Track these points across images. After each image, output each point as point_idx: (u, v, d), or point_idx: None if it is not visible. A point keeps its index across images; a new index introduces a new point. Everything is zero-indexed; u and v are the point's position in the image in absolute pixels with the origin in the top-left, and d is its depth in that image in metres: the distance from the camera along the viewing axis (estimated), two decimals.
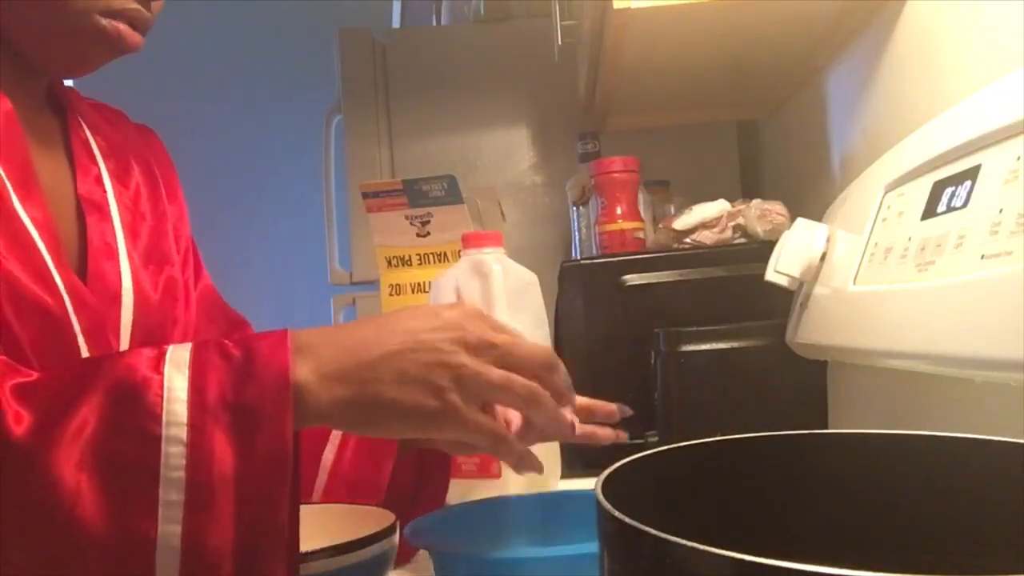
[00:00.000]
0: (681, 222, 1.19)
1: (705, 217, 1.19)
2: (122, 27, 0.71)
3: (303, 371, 0.52)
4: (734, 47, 1.23)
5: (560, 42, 1.46)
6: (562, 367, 0.59)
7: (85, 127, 0.81)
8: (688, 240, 1.19)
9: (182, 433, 0.48)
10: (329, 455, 0.77)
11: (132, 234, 0.79)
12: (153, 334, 0.78)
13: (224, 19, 2.63)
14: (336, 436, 0.78)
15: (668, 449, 0.38)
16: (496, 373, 0.57)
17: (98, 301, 0.72)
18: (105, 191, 0.78)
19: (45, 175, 0.72)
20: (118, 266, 0.76)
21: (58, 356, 0.66)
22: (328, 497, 0.75)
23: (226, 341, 0.53)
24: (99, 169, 0.79)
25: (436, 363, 0.55)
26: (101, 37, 0.71)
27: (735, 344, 1.01)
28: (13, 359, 0.56)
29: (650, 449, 0.38)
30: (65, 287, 0.68)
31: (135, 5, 0.72)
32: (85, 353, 0.68)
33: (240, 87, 2.62)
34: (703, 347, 1.02)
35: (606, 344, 1.13)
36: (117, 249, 0.77)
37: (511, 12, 1.94)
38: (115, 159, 0.82)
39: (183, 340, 0.80)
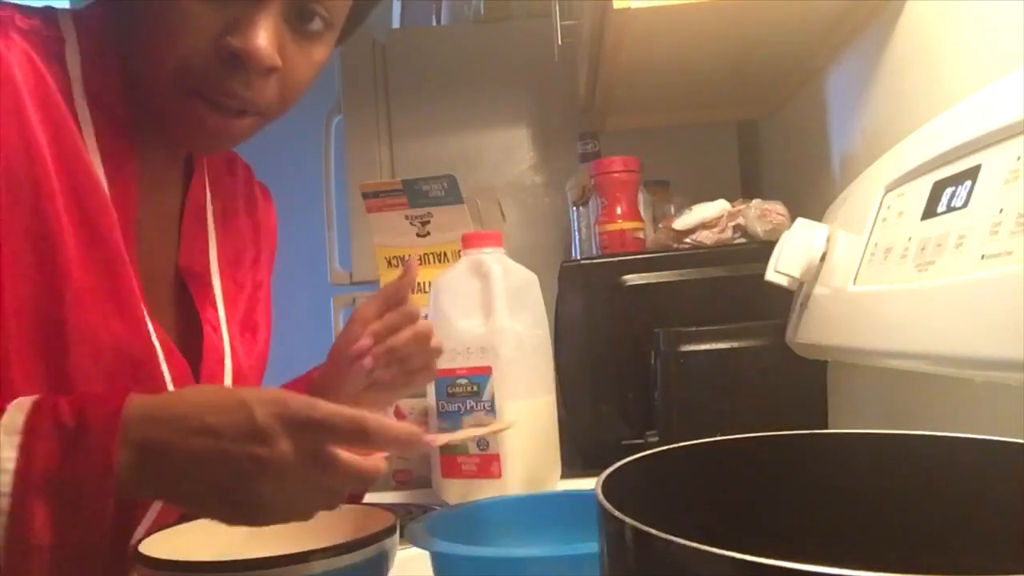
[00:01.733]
0: (681, 222, 1.19)
1: (705, 217, 1.19)
2: (207, 114, 0.66)
3: (126, 457, 0.52)
4: (734, 47, 1.23)
5: (560, 42, 1.46)
6: (372, 430, 0.54)
7: (207, 185, 0.80)
8: (688, 240, 1.19)
9: (4, 503, 0.50)
10: None
11: (231, 304, 0.80)
12: None
13: None
14: None
15: (668, 449, 0.38)
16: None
17: (209, 369, 0.73)
18: (209, 262, 0.78)
19: (152, 240, 0.72)
20: (221, 333, 0.77)
21: None
22: None
23: (61, 405, 0.53)
24: (209, 241, 0.79)
25: (236, 480, 0.53)
26: (183, 117, 0.66)
27: (735, 344, 1.01)
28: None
29: (650, 449, 0.38)
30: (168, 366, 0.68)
31: (233, 83, 0.64)
32: None
33: None
34: (703, 347, 1.02)
35: (606, 344, 1.13)
36: (220, 322, 0.77)
37: (511, 12, 1.94)
38: (228, 223, 0.82)
39: None
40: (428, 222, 1.16)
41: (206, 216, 0.79)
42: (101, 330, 0.63)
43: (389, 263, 1.18)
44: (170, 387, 0.68)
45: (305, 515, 0.56)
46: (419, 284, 1.16)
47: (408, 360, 0.85)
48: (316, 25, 0.67)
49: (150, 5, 0.63)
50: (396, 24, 2.10)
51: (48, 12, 0.68)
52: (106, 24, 0.68)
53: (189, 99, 0.64)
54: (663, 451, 0.35)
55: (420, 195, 1.14)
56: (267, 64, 0.63)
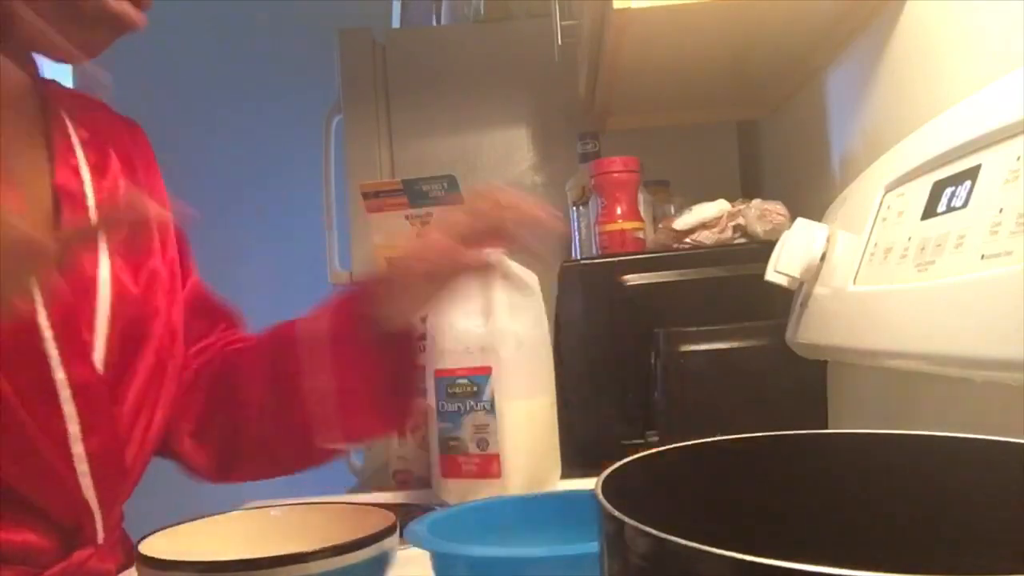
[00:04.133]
0: (681, 222, 1.19)
1: (705, 217, 1.19)
2: (127, 7, 0.70)
3: None
4: (734, 47, 1.23)
5: (560, 42, 1.46)
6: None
7: (66, 117, 0.80)
8: (688, 240, 1.19)
9: None
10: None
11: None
12: (133, 325, 0.77)
13: (224, 19, 2.63)
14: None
15: (667, 449, 0.38)
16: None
17: (70, 292, 0.71)
18: (83, 181, 0.77)
19: (21, 166, 0.72)
20: (95, 257, 0.75)
21: (21, 348, 0.66)
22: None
23: None
24: (77, 160, 0.78)
25: None
26: (105, 16, 0.70)
27: (735, 344, 1.01)
28: None
29: (650, 449, 0.38)
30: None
31: None
32: (51, 346, 0.68)
33: (240, 86, 2.63)
34: (703, 347, 1.02)
35: (606, 344, 1.13)
36: (96, 247, 0.75)
37: (511, 12, 1.94)
38: (95, 150, 0.81)
39: (164, 332, 0.81)
40: (428, 222, 1.16)
41: (72, 139, 0.79)
42: None
43: (389, 263, 1.18)
44: (47, 331, 0.67)
45: None
46: None
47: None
48: None
49: None
50: (396, 24, 2.10)
51: None
52: None
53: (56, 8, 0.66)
54: (662, 451, 0.35)
55: (420, 195, 1.14)
56: None
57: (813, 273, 0.90)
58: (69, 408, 0.69)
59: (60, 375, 0.68)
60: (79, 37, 0.71)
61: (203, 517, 0.65)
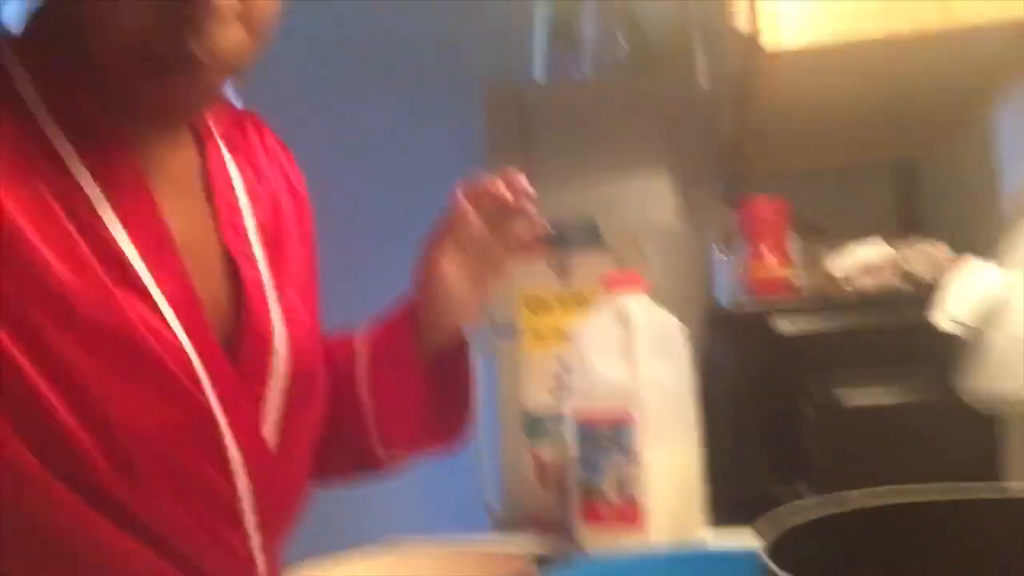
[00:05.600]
0: (836, 266, 1.13)
1: (863, 260, 1.14)
2: (174, 80, 0.60)
3: None
4: (891, 85, 1.18)
5: (705, 86, 1.44)
6: None
7: (224, 150, 0.74)
8: (844, 285, 1.13)
9: None
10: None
11: (277, 272, 0.74)
12: (304, 378, 0.74)
13: (368, 74, 2.74)
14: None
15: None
16: None
17: (248, 362, 0.68)
18: (247, 231, 0.72)
19: (180, 225, 0.66)
20: (268, 315, 0.71)
21: (193, 423, 0.64)
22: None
23: None
24: (240, 206, 0.73)
25: None
26: (149, 95, 0.62)
27: (897, 396, 0.95)
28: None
29: (801, 502, 0.35)
30: (201, 361, 0.63)
31: (183, 32, 0.57)
32: (222, 418, 0.65)
33: (381, 135, 2.72)
34: (862, 399, 0.96)
35: (754, 392, 1.08)
36: (267, 297, 0.71)
37: (653, 58, 1.93)
38: (257, 184, 0.76)
39: (317, 405, 0.77)
40: (569, 267, 1.15)
41: (231, 179, 0.73)
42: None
43: (529, 307, 1.18)
44: (221, 419, 0.64)
45: None
46: (559, 329, 1.15)
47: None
48: None
49: None
50: (538, 74, 2.13)
51: None
52: (52, 29, 0.64)
53: (141, 66, 0.59)
54: (833, 515, 0.32)
55: (561, 240, 1.14)
56: (222, 8, 0.57)
57: (987, 319, 0.83)
58: (241, 481, 0.66)
59: (234, 450, 0.66)
60: (174, 90, 0.62)
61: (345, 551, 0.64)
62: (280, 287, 0.73)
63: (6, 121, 0.60)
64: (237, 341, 0.68)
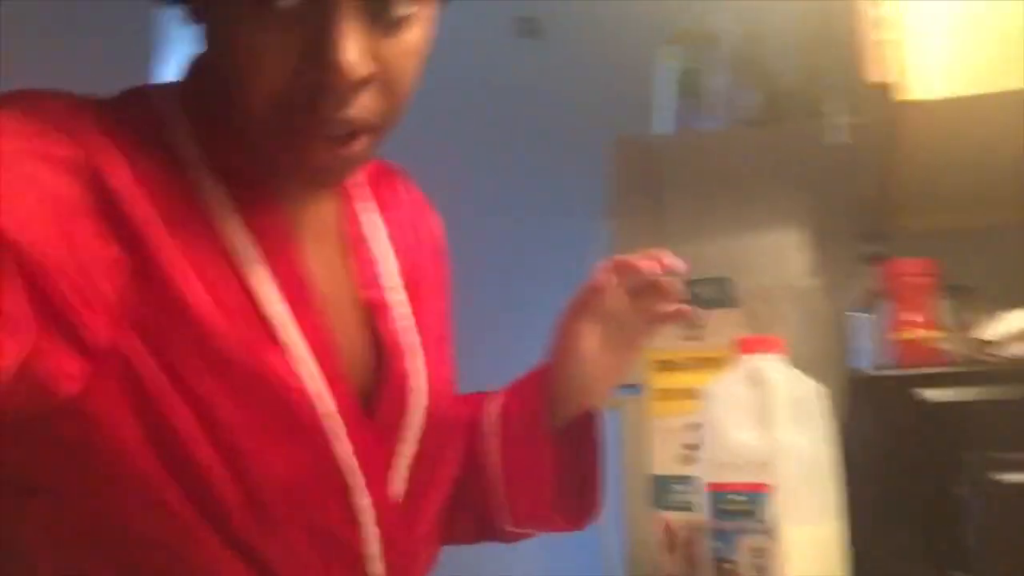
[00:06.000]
0: (990, 332, 1.06)
1: (1019, 327, 1.06)
2: (321, 152, 0.61)
3: None
4: None
5: (840, 139, 1.39)
6: None
7: (366, 200, 0.76)
8: (999, 352, 1.06)
9: None
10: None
11: (417, 323, 0.74)
12: (440, 432, 0.75)
13: (500, 128, 2.79)
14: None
15: None
16: None
17: (385, 414, 0.69)
18: (386, 283, 0.73)
19: (322, 276, 0.68)
20: (405, 367, 0.71)
21: (321, 475, 0.65)
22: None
23: None
24: (379, 258, 0.74)
25: None
26: (298, 165, 0.63)
27: None
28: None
29: None
30: (339, 412, 0.64)
31: (330, 106, 0.58)
32: (353, 473, 0.65)
33: (511, 190, 2.75)
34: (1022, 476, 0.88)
35: (902, 468, 1.02)
36: (405, 350, 0.72)
37: (785, 110, 1.89)
38: (399, 235, 0.76)
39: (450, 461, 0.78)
40: (700, 325, 1.11)
41: (378, 234, 0.75)
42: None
43: (658, 366, 1.14)
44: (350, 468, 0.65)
45: None
46: (689, 390, 1.11)
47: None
48: (402, 9, 0.58)
49: (231, 52, 0.59)
50: (668, 127, 2.12)
51: (137, 98, 0.66)
52: (209, 76, 0.64)
53: (290, 138, 0.60)
54: None
55: (693, 298, 1.10)
56: (355, 78, 0.56)
57: None
58: (369, 531, 0.67)
59: (364, 501, 0.66)
60: (290, 178, 0.67)
61: None
62: (420, 339, 0.74)
63: (166, 168, 0.62)
64: (376, 393, 0.69)
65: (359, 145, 0.61)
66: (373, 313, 0.72)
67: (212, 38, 0.62)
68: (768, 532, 0.86)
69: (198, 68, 0.68)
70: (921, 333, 1.14)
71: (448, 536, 0.83)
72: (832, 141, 1.41)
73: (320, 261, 0.69)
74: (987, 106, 0.95)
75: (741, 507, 0.89)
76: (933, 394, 1.02)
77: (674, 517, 1.01)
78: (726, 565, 0.89)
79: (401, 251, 0.76)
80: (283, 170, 0.65)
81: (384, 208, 0.77)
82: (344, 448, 0.65)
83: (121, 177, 0.59)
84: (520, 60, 2.79)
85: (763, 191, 1.75)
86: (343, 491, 0.65)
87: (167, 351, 0.59)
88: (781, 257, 1.72)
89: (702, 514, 0.93)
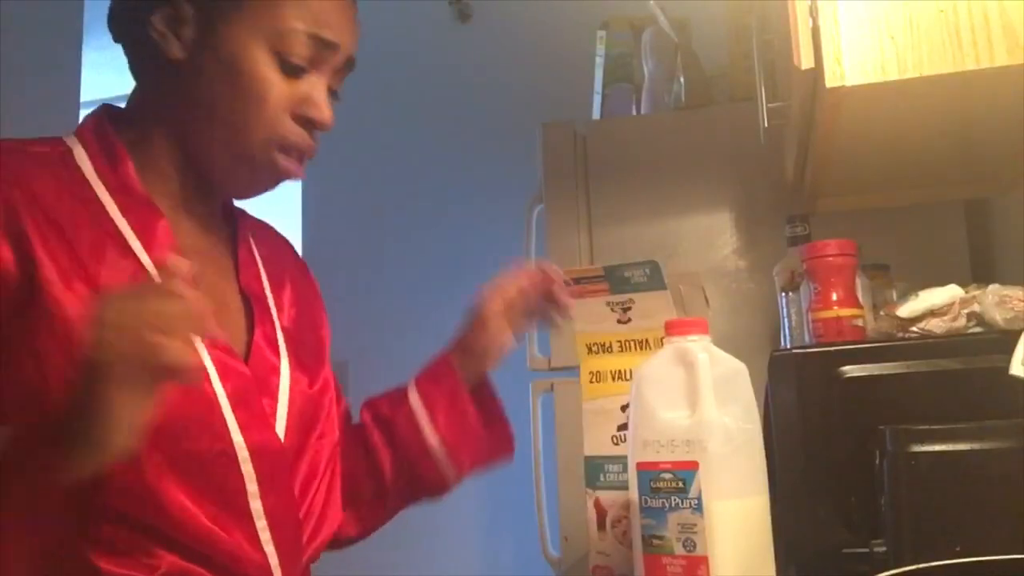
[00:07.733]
0: (906, 309, 1.10)
1: (934, 304, 1.10)
2: (292, 166, 0.86)
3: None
4: (961, 122, 1.14)
5: (766, 124, 1.42)
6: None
7: (252, 240, 0.95)
8: (915, 329, 1.09)
9: None
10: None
11: (287, 333, 0.91)
12: (307, 417, 0.89)
13: (432, 117, 2.78)
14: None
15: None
16: None
17: (250, 374, 0.84)
18: (264, 286, 0.92)
19: (210, 274, 0.86)
20: (278, 356, 0.88)
21: (200, 415, 0.78)
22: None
23: None
24: (260, 272, 0.93)
25: None
26: (274, 170, 0.86)
27: (974, 445, 0.91)
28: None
29: (876, 561, 0.33)
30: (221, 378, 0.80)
31: (309, 141, 0.86)
32: (230, 414, 0.79)
33: (442, 179, 2.74)
34: (937, 448, 0.92)
35: (823, 442, 1.05)
36: (278, 343, 0.89)
37: (712, 98, 1.92)
38: (274, 269, 0.96)
39: (327, 430, 0.93)
40: (629, 308, 1.13)
41: (255, 256, 0.94)
42: None
43: (589, 349, 1.16)
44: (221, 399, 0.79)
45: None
46: (621, 372, 1.13)
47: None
48: (339, 87, 0.90)
49: (240, 80, 0.82)
50: (596, 115, 2.13)
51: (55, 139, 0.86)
52: (152, 115, 0.86)
53: (278, 153, 0.85)
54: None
55: (622, 281, 1.12)
56: (329, 128, 0.86)
57: None
58: (247, 468, 0.80)
59: (239, 439, 0.80)
60: (246, 181, 0.89)
61: None
62: (284, 325, 0.92)
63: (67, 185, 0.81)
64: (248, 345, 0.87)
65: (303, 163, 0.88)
66: (252, 300, 0.89)
67: (198, 72, 0.83)
68: (696, 508, 0.89)
69: (137, 98, 0.89)
70: (841, 311, 1.17)
71: (396, 509, 1.02)
72: (759, 127, 1.43)
73: (199, 252, 0.86)
74: (910, 92, 0.97)
75: (670, 484, 0.91)
76: (853, 369, 1.05)
77: (606, 496, 1.02)
78: (656, 541, 0.91)
79: (268, 263, 0.95)
80: (255, 174, 0.87)
81: (261, 244, 0.97)
82: (216, 390, 0.79)
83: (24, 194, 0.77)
84: (454, 46, 2.78)
85: (690, 175, 1.78)
86: (220, 430, 0.79)
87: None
88: (708, 240, 1.76)
89: (633, 492, 0.95)
